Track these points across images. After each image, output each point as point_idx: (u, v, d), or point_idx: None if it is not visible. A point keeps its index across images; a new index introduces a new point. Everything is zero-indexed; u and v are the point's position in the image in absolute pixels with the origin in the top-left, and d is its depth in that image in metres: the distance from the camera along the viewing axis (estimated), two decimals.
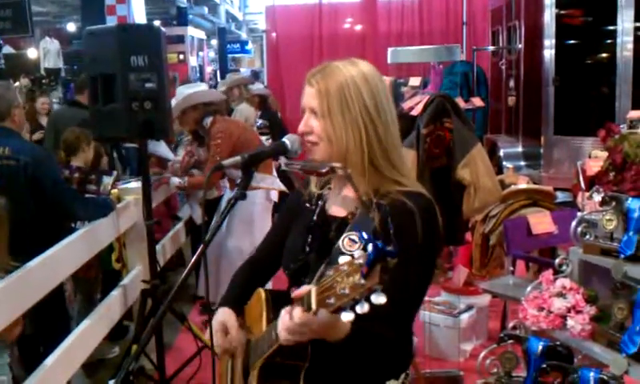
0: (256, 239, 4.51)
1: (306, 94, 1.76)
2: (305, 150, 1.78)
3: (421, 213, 1.66)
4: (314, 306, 1.36)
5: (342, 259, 1.31)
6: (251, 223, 4.98)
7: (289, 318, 1.44)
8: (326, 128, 1.71)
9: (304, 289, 1.43)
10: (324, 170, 1.72)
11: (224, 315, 1.90)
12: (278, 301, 1.75)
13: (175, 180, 5.00)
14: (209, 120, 4.95)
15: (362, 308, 1.26)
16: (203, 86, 5.83)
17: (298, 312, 1.41)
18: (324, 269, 1.57)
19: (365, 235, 1.29)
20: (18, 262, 2.99)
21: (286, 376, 1.67)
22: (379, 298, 1.25)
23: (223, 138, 4.83)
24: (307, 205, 1.88)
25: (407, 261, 1.50)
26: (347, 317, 1.28)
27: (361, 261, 1.27)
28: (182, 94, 5.10)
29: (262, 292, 1.85)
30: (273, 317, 1.71)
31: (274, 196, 5.18)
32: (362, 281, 1.25)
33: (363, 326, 1.43)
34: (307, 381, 1.68)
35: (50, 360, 3.22)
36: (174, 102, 5.02)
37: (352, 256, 1.30)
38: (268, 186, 5.02)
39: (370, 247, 1.26)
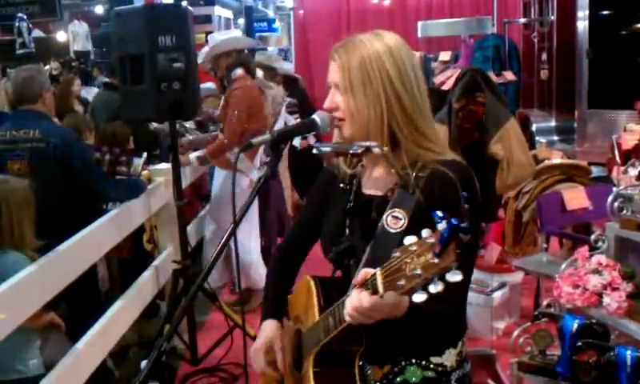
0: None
1: (330, 69, 1.73)
2: (334, 126, 1.75)
3: (462, 183, 1.63)
4: (381, 290, 1.34)
5: (409, 239, 1.28)
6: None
7: (358, 302, 1.42)
8: (348, 102, 1.68)
9: (365, 273, 1.41)
10: (359, 151, 1.68)
11: (269, 332, 1.89)
12: (329, 288, 1.74)
13: (194, 154, 4.96)
14: (237, 72, 4.93)
15: (437, 287, 1.23)
16: (237, 32, 5.85)
17: (365, 296, 1.39)
18: (372, 250, 1.55)
19: (440, 213, 1.26)
20: (42, 241, 3.02)
21: (342, 361, 1.66)
22: (455, 276, 1.22)
23: (242, 100, 4.81)
24: (341, 185, 1.84)
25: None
26: (419, 298, 1.25)
27: (432, 240, 1.24)
28: (215, 40, 5.12)
29: (310, 280, 1.82)
30: (325, 304, 1.70)
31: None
32: (436, 260, 1.22)
33: (426, 304, 1.42)
34: (364, 359, 1.68)
35: (83, 341, 3.26)
36: (205, 48, 5.03)
37: (419, 236, 1.27)
38: (244, 171, 4.94)
39: (443, 224, 1.23)
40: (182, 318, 1.80)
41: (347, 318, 1.47)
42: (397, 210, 1.61)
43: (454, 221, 1.22)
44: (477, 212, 1.67)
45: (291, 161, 6.96)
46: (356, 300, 1.42)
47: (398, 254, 1.29)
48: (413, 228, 1.28)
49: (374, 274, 1.36)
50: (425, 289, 1.24)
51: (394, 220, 1.60)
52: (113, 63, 6.03)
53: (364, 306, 1.40)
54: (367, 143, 1.66)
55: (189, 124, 5.67)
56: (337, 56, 1.71)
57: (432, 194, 1.61)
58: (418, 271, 1.25)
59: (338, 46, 1.73)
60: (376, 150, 1.64)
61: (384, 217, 1.61)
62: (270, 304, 1.97)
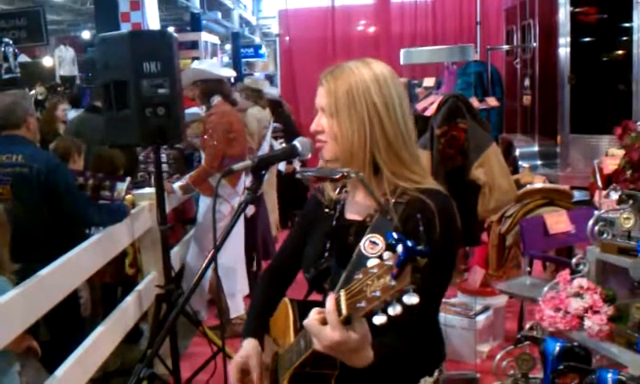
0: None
1: (318, 93, 1.77)
2: (316, 149, 1.78)
3: (440, 211, 1.65)
4: (344, 311, 1.34)
5: (371, 262, 1.29)
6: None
7: (316, 324, 1.41)
8: (332, 126, 1.71)
9: (331, 301, 1.39)
10: (337, 176, 1.70)
11: (248, 350, 1.88)
12: (306, 310, 1.74)
13: (177, 184, 4.97)
14: (216, 99, 4.96)
15: (395, 310, 1.24)
16: (216, 63, 5.88)
17: (332, 317, 1.38)
18: (347, 273, 1.56)
19: (395, 235, 1.27)
20: (22, 265, 3.01)
21: None
22: (411, 299, 1.23)
23: (219, 125, 4.83)
24: (326, 210, 1.86)
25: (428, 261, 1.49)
26: (379, 320, 1.26)
27: (390, 262, 1.25)
28: (195, 66, 5.21)
29: (287, 303, 1.83)
30: (300, 327, 1.70)
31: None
32: (393, 282, 1.23)
33: (385, 347, 1.42)
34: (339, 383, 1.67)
35: (64, 367, 3.23)
36: (184, 73, 5.05)
37: (381, 258, 1.28)
38: (225, 198, 4.95)
39: (399, 247, 1.24)
40: (163, 343, 1.79)
41: (315, 342, 1.46)
42: (375, 235, 1.62)
43: (409, 243, 1.23)
44: (453, 243, 1.69)
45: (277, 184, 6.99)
46: (318, 324, 1.42)
47: (360, 276, 1.30)
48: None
49: (339, 295, 1.36)
50: (385, 311, 1.25)
51: (371, 245, 1.61)
52: (98, 88, 6.02)
53: (334, 340, 1.38)
54: (345, 169, 1.68)
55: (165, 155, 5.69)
56: (325, 81, 1.74)
57: (409, 221, 1.63)
58: (378, 293, 1.25)
59: (327, 72, 1.76)
60: (353, 176, 1.67)
61: (362, 242, 1.63)
62: (251, 323, 1.98)
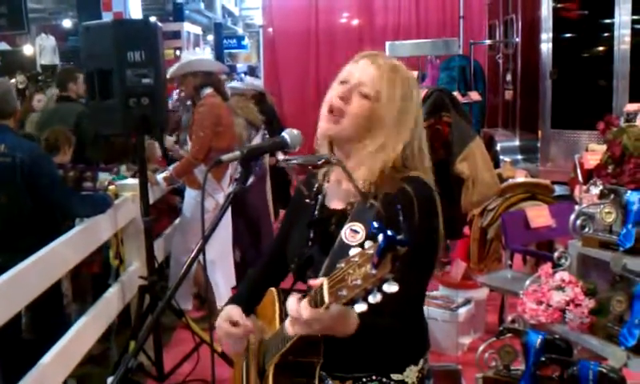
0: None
1: (361, 67, 1.73)
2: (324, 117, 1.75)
3: (419, 198, 1.66)
4: (326, 300, 1.35)
5: (353, 251, 1.31)
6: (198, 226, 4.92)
7: (297, 312, 1.43)
8: (369, 109, 1.68)
9: (316, 282, 1.42)
10: (319, 163, 1.71)
11: (228, 310, 1.88)
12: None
13: (160, 175, 4.94)
14: (207, 91, 4.92)
15: (375, 298, 1.25)
16: (206, 55, 5.84)
17: (305, 306, 1.41)
18: (330, 262, 1.57)
19: (375, 224, 1.28)
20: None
21: (302, 373, 1.67)
22: (391, 287, 1.24)
23: (207, 117, 4.81)
24: (307, 201, 1.87)
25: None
26: (360, 308, 1.28)
27: (371, 251, 1.26)
28: (186, 58, 5.12)
29: (273, 291, 1.85)
30: (285, 315, 1.71)
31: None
32: (374, 271, 1.24)
33: (370, 320, 1.43)
34: (326, 371, 1.70)
35: (46, 358, 3.21)
36: (175, 66, 5.03)
37: (362, 247, 1.29)
38: (209, 193, 4.92)
39: (380, 236, 1.25)
40: (149, 335, 1.79)
41: (288, 329, 1.48)
42: (355, 223, 1.64)
43: (389, 232, 1.24)
44: (433, 230, 1.69)
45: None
46: (294, 310, 1.44)
47: (342, 265, 1.32)
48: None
49: (322, 283, 1.38)
50: (365, 299, 1.27)
51: (352, 233, 1.63)
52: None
53: (304, 316, 1.41)
54: (327, 155, 1.69)
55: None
56: (381, 63, 1.72)
57: (389, 209, 1.63)
58: (359, 281, 1.27)
59: (379, 53, 1.77)
60: (334, 161, 1.68)
61: (343, 230, 1.64)
62: (232, 299, 1.98)
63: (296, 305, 1.44)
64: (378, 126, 1.69)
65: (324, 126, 1.73)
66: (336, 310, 1.38)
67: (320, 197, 1.86)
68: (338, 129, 1.71)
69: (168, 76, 4.77)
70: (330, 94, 1.74)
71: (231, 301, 1.97)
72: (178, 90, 5.37)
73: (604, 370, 2.48)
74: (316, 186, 1.88)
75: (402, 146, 1.70)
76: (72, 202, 3.84)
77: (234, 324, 1.83)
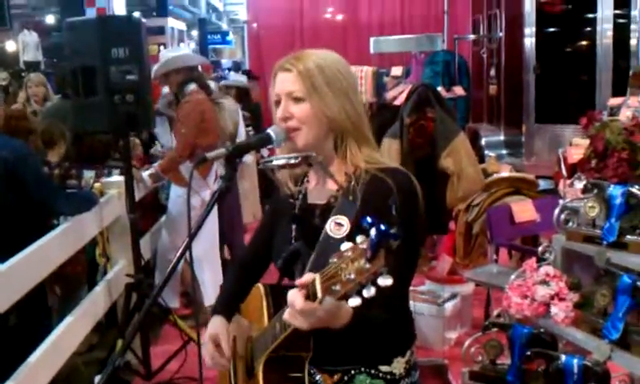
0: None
1: (280, 80, 1.75)
2: (287, 138, 1.77)
3: (399, 189, 1.67)
4: (319, 295, 1.36)
5: (345, 245, 1.31)
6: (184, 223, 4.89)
7: (292, 306, 1.43)
8: (307, 110, 1.70)
9: (307, 277, 1.42)
10: (297, 161, 1.72)
11: (215, 327, 1.90)
12: (278, 295, 1.75)
13: (146, 173, 4.92)
14: (191, 87, 4.89)
15: (369, 292, 1.26)
16: (186, 50, 5.80)
17: (299, 300, 1.41)
18: (316, 255, 1.58)
19: (369, 219, 1.29)
20: None
21: (291, 367, 1.69)
22: (386, 281, 1.26)
23: (191, 113, 4.78)
24: (290, 200, 1.87)
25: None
26: (354, 302, 1.29)
27: (364, 245, 1.27)
28: (166, 56, 5.08)
29: (260, 287, 1.85)
30: (274, 311, 1.72)
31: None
32: (367, 265, 1.25)
33: (361, 311, 1.44)
34: (315, 365, 1.72)
35: (35, 355, 3.20)
36: (156, 66, 5.00)
37: (351, 239, 1.30)
38: (195, 190, 4.90)
39: (373, 231, 1.26)
40: (136, 334, 1.79)
41: (285, 316, 1.49)
42: (340, 216, 1.65)
43: (382, 226, 1.26)
44: (415, 220, 1.71)
45: None
46: (291, 302, 1.45)
47: (335, 260, 1.33)
48: (355, 234, 1.32)
49: (314, 279, 1.38)
50: (359, 293, 1.28)
51: (336, 226, 1.64)
52: (63, 74, 5.91)
53: (297, 309, 1.42)
54: (304, 153, 1.70)
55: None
56: (290, 66, 1.73)
57: (371, 200, 1.65)
58: (352, 276, 1.28)
59: (289, 58, 1.76)
60: (314, 158, 1.69)
61: (327, 223, 1.65)
62: (218, 304, 1.99)
63: (292, 297, 1.44)
64: (325, 116, 1.71)
65: (296, 145, 1.74)
66: (330, 305, 1.40)
67: (301, 194, 1.87)
68: (304, 140, 1.73)
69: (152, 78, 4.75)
70: (276, 114, 1.77)
71: (217, 307, 1.98)
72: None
73: (588, 364, 2.50)
74: (298, 183, 1.89)
75: (337, 112, 1.70)
76: (57, 200, 3.81)
77: (218, 346, 1.86)
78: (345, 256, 1.30)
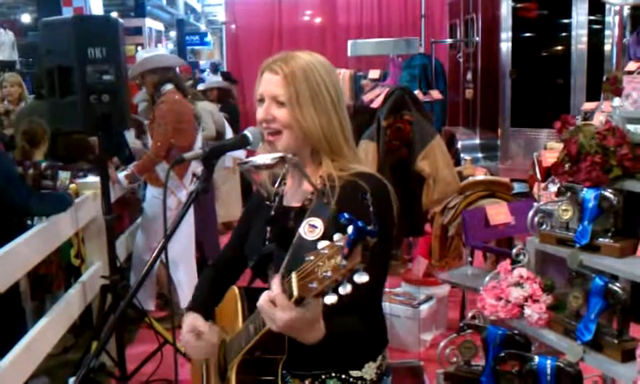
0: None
1: (266, 81, 1.75)
2: (265, 140, 1.78)
3: (373, 192, 1.69)
4: (295, 293, 1.36)
5: (322, 244, 1.32)
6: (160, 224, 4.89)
7: (270, 305, 1.43)
8: (294, 115, 1.71)
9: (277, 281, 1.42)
10: (274, 162, 1.72)
11: (191, 319, 1.89)
12: (253, 297, 1.75)
13: (122, 173, 4.89)
14: (167, 87, 4.86)
15: (345, 289, 1.27)
16: (162, 51, 5.77)
17: (280, 298, 1.40)
18: (290, 257, 1.59)
19: (346, 215, 1.30)
20: None
21: (264, 370, 1.68)
22: (361, 277, 1.26)
23: (167, 113, 4.76)
24: (267, 202, 1.88)
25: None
26: (330, 299, 1.29)
27: (341, 243, 1.28)
28: (141, 57, 5.06)
29: (235, 290, 1.85)
30: (249, 314, 1.71)
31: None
32: (344, 262, 1.26)
33: (336, 326, 1.45)
34: (286, 369, 1.71)
35: (8, 358, 3.16)
36: (133, 67, 4.97)
37: (329, 239, 1.31)
38: (172, 190, 4.91)
39: (350, 228, 1.27)
40: (111, 335, 1.78)
41: (269, 322, 1.48)
42: (313, 218, 1.66)
43: (359, 223, 1.27)
44: (388, 223, 1.72)
45: None
46: (268, 297, 1.44)
47: (311, 258, 1.33)
48: (328, 236, 1.33)
49: (290, 277, 1.38)
50: (335, 291, 1.28)
51: (310, 228, 1.64)
52: (39, 74, 5.86)
53: (274, 301, 1.42)
54: (281, 154, 1.71)
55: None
56: (277, 69, 1.73)
57: (345, 203, 1.65)
58: (329, 273, 1.28)
59: (276, 58, 1.76)
60: (290, 159, 1.70)
61: (301, 225, 1.66)
62: (194, 303, 1.98)
63: (272, 305, 1.43)
64: (301, 126, 1.72)
65: (275, 148, 1.75)
66: (310, 313, 1.40)
67: (278, 196, 1.88)
68: (285, 144, 1.74)
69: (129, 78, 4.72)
70: (258, 114, 1.77)
71: (191, 306, 1.97)
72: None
73: (561, 365, 2.53)
74: (274, 185, 1.90)
75: (320, 123, 1.71)
76: (31, 201, 3.77)
77: (199, 334, 1.84)
78: (321, 253, 1.31)
